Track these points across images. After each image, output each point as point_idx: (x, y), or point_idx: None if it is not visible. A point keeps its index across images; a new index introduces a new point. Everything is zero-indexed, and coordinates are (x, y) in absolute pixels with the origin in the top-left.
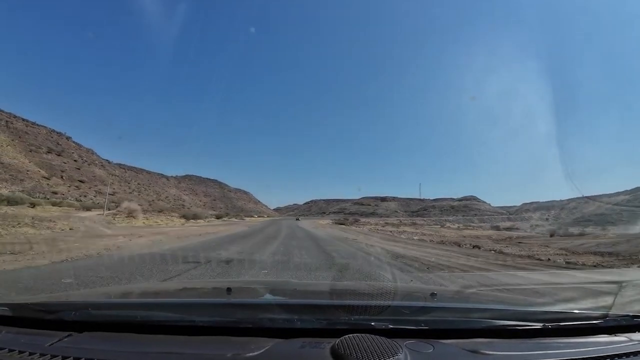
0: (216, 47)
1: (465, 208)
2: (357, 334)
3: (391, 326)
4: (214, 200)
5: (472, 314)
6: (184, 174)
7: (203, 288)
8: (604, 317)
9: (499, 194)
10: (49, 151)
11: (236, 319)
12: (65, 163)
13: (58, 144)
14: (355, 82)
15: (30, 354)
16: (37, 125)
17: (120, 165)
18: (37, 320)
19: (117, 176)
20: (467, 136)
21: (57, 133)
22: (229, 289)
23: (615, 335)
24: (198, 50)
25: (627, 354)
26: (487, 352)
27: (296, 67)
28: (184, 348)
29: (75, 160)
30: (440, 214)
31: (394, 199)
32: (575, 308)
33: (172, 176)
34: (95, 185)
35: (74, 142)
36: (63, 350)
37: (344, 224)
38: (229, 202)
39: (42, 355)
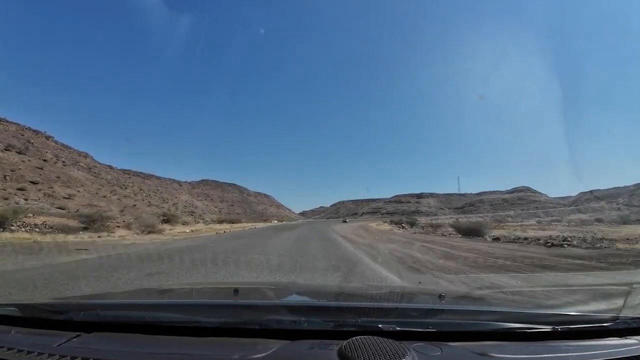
0: (228, 48)
1: (521, 201)
2: (365, 336)
3: (398, 328)
4: (231, 205)
5: (481, 316)
6: (200, 180)
7: (210, 289)
8: (614, 319)
9: (551, 184)
10: (7, 148)
11: (243, 320)
12: (24, 162)
13: (29, 142)
14: (373, 80)
15: (39, 354)
16: (7, 121)
17: (125, 171)
18: (45, 320)
19: (106, 180)
20: (504, 126)
21: (33, 131)
22: (236, 290)
23: (626, 338)
24: (210, 51)
25: (638, 357)
26: (496, 355)
27: (318, 65)
28: (191, 349)
29: (44, 160)
30: (493, 209)
31: (431, 195)
32: (585, 310)
33: (186, 182)
34: (50, 188)
35: (55, 142)
36: (71, 351)
37: (402, 227)
38: (248, 206)
39: (50, 355)
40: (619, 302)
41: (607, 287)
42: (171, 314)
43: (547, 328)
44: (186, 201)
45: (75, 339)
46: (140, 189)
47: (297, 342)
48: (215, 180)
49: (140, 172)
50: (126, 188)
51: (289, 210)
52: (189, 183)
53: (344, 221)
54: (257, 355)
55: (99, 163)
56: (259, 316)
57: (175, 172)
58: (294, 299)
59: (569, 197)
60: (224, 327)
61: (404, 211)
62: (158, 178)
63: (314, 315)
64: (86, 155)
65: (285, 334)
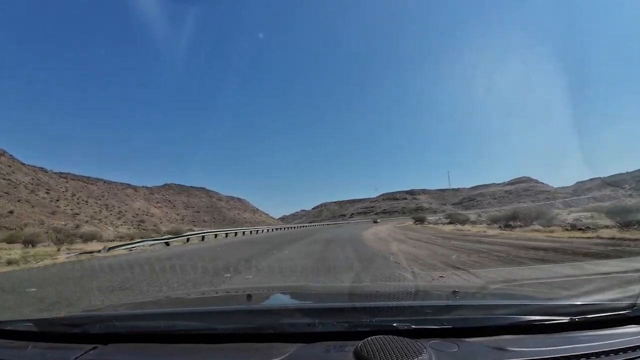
0: (195, 46)
1: (527, 192)
2: (380, 336)
3: (414, 326)
4: (197, 211)
5: (497, 310)
6: (162, 184)
7: (223, 295)
8: (631, 307)
9: (548, 174)
10: None
11: (257, 325)
12: None
13: None
14: (353, 76)
15: None
16: None
17: (61, 174)
18: (62, 334)
19: (23, 183)
20: (493, 118)
21: None
22: (249, 296)
23: None
24: (178, 49)
25: None
26: (514, 348)
27: (295, 62)
28: (207, 356)
29: None
30: (498, 202)
31: (422, 191)
32: (602, 299)
33: (144, 186)
34: None
35: None
36: None
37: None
38: (217, 212)
39: None
40: (636, 289)
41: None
42: (186, 322)
43: (565, 319)
44: (139, 208)
45: (92, 352)
46: (74, 195)
47: (312, 345)
48: (180, 185)
49: (83, 176)
50: (48, 192)
51: (267, 215)
52: (148, 188)
53: (375, 222)
54: None
55: (22, 164)
56: (273, 320)
57: (140, 177)
58: (307, 301)
59: (565, 187)
60: (238, 332)
61: (403, 209)
62: (107, 183)
63: (328, 317)
64: (3, 153)
65: (300, 337)
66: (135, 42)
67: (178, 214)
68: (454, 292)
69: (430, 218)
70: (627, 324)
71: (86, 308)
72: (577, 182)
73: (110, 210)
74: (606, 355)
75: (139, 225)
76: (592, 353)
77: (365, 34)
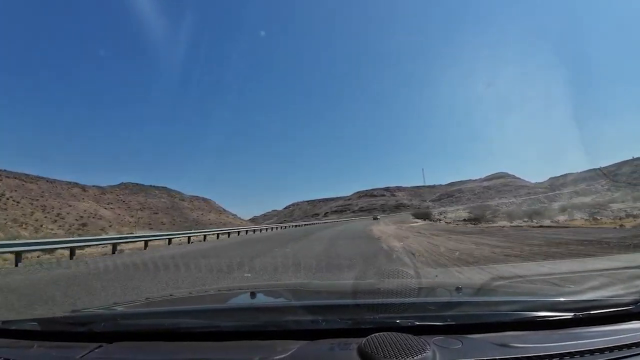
0: (158, 44)
1: (507, 187)
2: (383, 333)
3: (417, 323)
4: (155, 213)
5: (500, 306)
6: (118, 183)
7: (227, 293)
8: (635, 302)
9: (523, 169)
10: None
11: (261, 322)
12: None
13: None
14: (325, 74)
15: None
16: None
17: None
18: (67, 333)
19: None
20: (466, 114)
21: None
22: (252, 293)
23: None
24: (140, 46)
25: None
26: (517, 345)
27: (264, 58)
28: (211, 353)
29: None
30: (478, 198)
31: (398, 188)
32: (606, 295)
33: (95, 186)
34: None
35: None
36: None
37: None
38: (178, 213)
39: None
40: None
41: None
42: (190, 319)
43: (569, 315)
44: (85, 210)
45: (97, 350)
46: (2, 195)
47: (316, 342)
48: (138, 184)
49: (22, 174)
50: None
51: (234, 216)
52: (100, 188)
53: (375, 218)
54: (277, 357)
55: None
56: (276, 318)
57: (98, 178)
58: (311, 298)
59: (542, 182)
60: (242, 330)
61: (382, 206)
62: (50, 181)
63: (332, 314)
64: None
65: (304, 335)
66: (69, 35)
67: (132, 216)
68: (457, 288)
69: (437, 213)
70: (631, 320)
71: (91, 307)
72: (551, 178)
73: (47, 212)
74: (610, 352)
75: (81, 228)
76: (597, 349)
77: (341, 32)
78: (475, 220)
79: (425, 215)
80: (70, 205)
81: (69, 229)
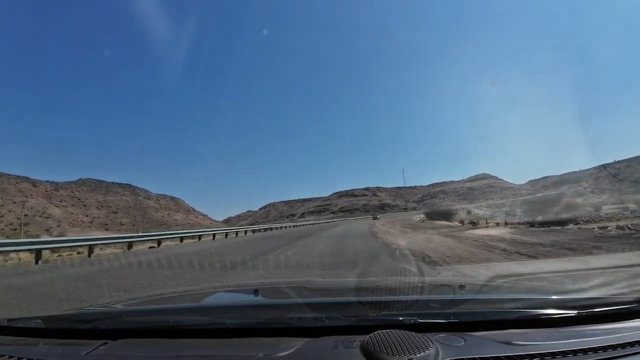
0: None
1: (491, 188)
2: (387, 330)
3: (420, 320)
4: (114, 212)
5: (503, 304)
6: (77, 179)
7: (231, 291)
8: (639, 300)
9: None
10: None
11: (265, 319)
12: None
13: None
14: (303, 73)
15: None
16: None
17: None
18: (72, 330)
19: None
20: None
21: None
22: (256, 291)
23: None
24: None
25: None
26: (521, 342)
27: (240, 56)
28: (216, 350)
29: None
30: (462, 199)
31: (378, 189)
32: (609, 293)
33: (48, 181)
34: None
35: None
36: (99, 359)
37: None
38: (142, 213)
39: None
40: None
41: None
42: (195, 317)
43: (572, 313)
44: (32, 208)
45: (102, 347)
46: None
47: (319, 339)
48: (99, 180)
49: None
50: None
51: (204, 216)
52: (54, 183)
53: (375, 217)
54: (281, 354)
55: None
56: (280, 315)
57: (58, 174)
58: (314, 296)
59: (522, 183)
60: (246, 327)
61: (364, 206)
62: None
63: (335, 312)
64: None
65: (308, 332)
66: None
67: (87, 215)
68: (461, 286)
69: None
70: (635, 318)
71: (95, 304)
72: (530, 181)
73: None
74: (614, 349)
75: (17, 229)
76: (600, 347)
77: (321, 35)
78: (549, 223)
79: (444, 215)
80: (15, 202)
81: (2, 230)
